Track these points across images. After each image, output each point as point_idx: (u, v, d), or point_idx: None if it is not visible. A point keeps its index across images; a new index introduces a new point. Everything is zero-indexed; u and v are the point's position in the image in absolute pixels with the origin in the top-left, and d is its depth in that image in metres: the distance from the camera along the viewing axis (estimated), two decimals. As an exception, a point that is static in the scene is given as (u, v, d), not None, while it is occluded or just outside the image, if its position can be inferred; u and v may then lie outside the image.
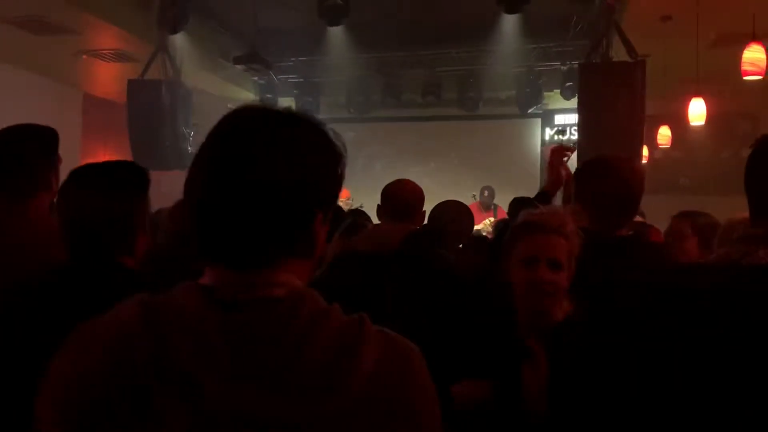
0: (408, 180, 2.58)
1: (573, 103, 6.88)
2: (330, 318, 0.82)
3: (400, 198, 2.49)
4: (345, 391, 0.77)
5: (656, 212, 4.35)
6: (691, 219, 2.94)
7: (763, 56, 4.64)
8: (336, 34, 7.36)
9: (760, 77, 4.68)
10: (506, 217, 4.12)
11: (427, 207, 3.33)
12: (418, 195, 2.52)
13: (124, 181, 1.53)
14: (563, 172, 2.57)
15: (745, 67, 4.70)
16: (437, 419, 0.84)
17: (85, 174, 1.53)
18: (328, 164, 0.88)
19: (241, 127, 0.86)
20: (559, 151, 2.62)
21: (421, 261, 2.25)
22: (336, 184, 0.90)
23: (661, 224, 3.46)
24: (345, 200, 7.52)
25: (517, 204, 3.63)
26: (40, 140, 1.84)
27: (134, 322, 0.81)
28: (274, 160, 0.82)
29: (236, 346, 0.79)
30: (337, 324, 0.82)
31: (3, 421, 1.33)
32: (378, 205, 2.54)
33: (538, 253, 1.67)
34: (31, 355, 1.12)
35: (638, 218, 3.43)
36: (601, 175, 2.13)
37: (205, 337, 0.79)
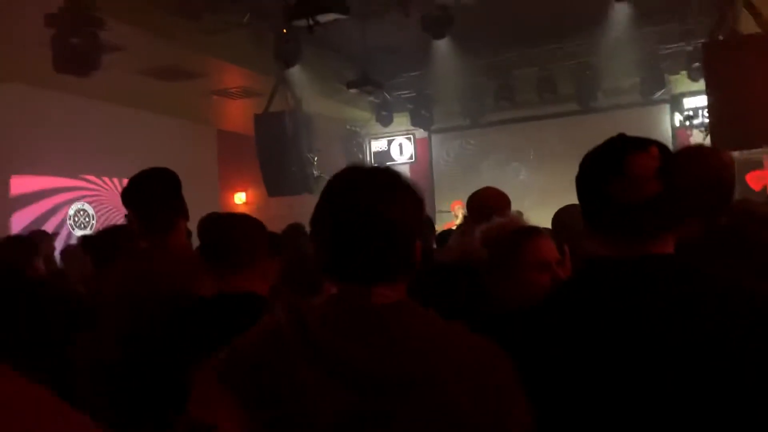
0: (491, 187, 2.71)
1: (702, 84, 6.44)
2: (429, 313, 1.09)
3: (484, 203, 2.56)
4: (443, 361, 1.02)
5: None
6: None
7: None
8: (443, 44, 7.43)
9: None
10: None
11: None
12: (502, 200, 2.60)
13: None
14: None
15: None
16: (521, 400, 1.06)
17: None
18: (420, 206, 1.14)
19: (360, 179, 1.11)
20: None
21: None
22: (423, 220, 1.18)
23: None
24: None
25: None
26: (168, 178, 2.10)
27: (283, 319, 1.06)
28: (392, 203, 1.08)
29: (360, 324, 1.04)
30: (434, 318, 1.09)
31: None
32: (464, 214, 2.64)
33: (550, 255, 1.76)
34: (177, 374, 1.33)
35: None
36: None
37: (337, 320, 1.05)
